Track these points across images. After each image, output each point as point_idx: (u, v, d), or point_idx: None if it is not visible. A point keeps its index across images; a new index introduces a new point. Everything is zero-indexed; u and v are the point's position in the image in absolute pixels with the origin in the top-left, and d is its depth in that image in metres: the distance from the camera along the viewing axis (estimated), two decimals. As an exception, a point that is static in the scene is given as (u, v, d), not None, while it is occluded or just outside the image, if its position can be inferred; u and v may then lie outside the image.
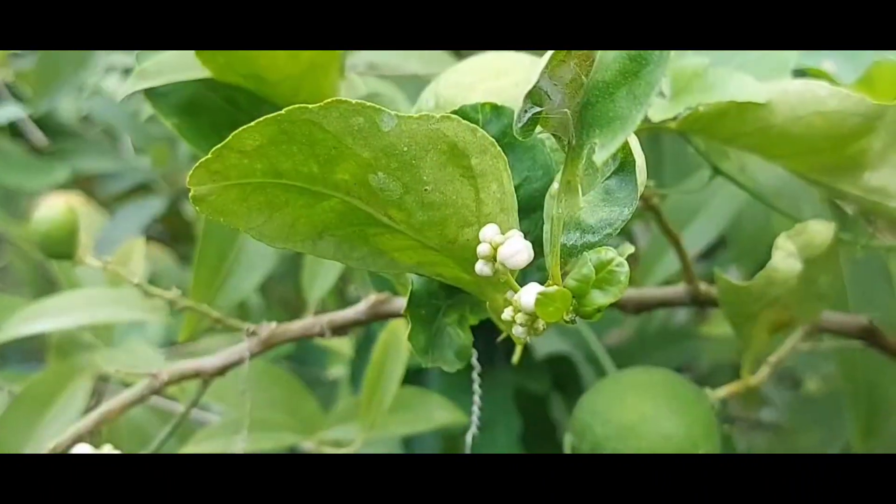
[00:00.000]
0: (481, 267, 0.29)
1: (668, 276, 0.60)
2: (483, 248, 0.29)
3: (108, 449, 0.46)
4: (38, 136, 1.09)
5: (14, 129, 1.08)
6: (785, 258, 0.40)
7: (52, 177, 1.00)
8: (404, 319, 0.36)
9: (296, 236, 0.32)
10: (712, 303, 0.49)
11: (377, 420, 0.58)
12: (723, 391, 0.47)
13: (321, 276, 0.66)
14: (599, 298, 0.27)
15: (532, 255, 0.28)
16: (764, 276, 0.40)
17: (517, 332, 0.29)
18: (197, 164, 0.29)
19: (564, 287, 0.27)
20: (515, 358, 0.46)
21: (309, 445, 0.60)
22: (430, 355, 0.36)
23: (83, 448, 0.46)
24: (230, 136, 0.28)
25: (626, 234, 0.99)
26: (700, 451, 0.44)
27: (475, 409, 0.48)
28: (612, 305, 0.50)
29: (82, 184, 1.16)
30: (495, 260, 0.29)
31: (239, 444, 0.48)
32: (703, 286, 0.50)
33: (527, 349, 0.87)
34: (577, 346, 0.88)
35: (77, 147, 1.11)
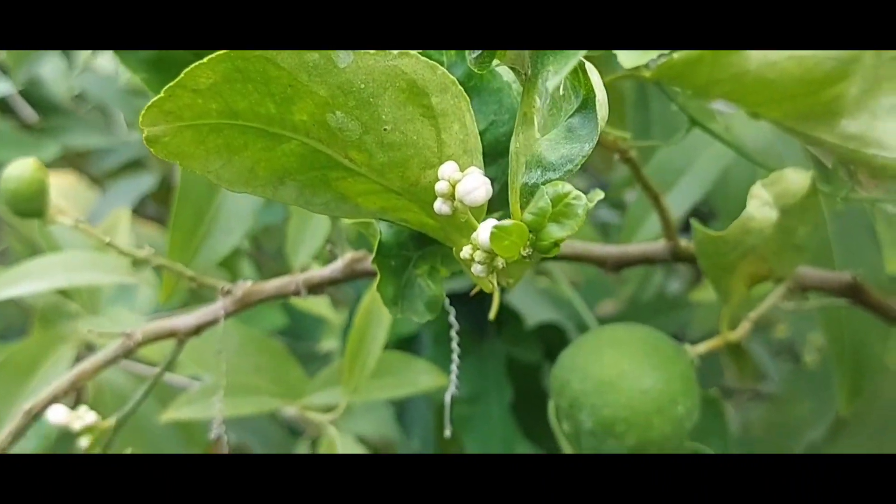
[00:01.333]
0: (440, 206, 0.29)
1: (653, 237, 0.59)
2: (441, 186, 0.28)
3: (83, 411, 0.46)
4: (28, 113, 1.08)
5: (5, 106, 1.08)
6: (760, 207, 0.39)
7: (42, 153, 0.99)
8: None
9: (256, 181, 0.31)
10: (692, 259, 0.48)
11: (360, 384, 0.58)
12: (702, 347, 0.46)
13: (306, 240, 0.66)
14: (556, 232, 0.26)
15: (490, 190, 0.28)
16: (739, 224, 0.39)
17: (476, 270, 0.28)
18: (149, 103, 0.28)
19: (521, 222, 0.27)
20: (492, 314, 0.46)
21: (292, 411, 0.60)
22: (400, 306, 0.36)
23: (58, 410, 0.45)
24: (182, 74, 0.28)
25: (616, 200, 0.99)
26: (679, 407, 0.44)
27: (454, 367, 0.48)
28: (593, 262, 0.50)
29: (74, 160, 1.16)
30: (454, 198, 0.28)
31: (216, 406, 0.47)
32: (684, 242, 0.49)
33: (518, 319, 0.87)
34: (569, 317, 0.88)
35: (68, 123, 1.11)
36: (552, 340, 0.87)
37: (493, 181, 0.30)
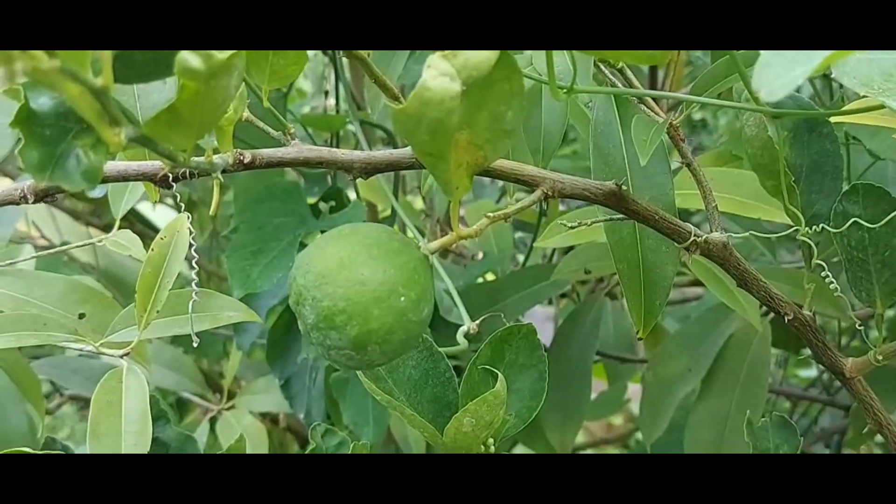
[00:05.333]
0: None
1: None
2: None
3: None
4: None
5: None
6: (437, 77, 0.39)
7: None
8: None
9: None
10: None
11: (153, 320, 0.58)
12: (435, 244, 0.46)
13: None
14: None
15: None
16: (416, 95, 0.39)
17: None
18: None
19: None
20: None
21: (89, 347, 0.59)
22: (49, 174, 0.36)
23: None
24: None
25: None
26: (401, 298, 0.44)
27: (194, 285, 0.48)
28: (340, 168, 0.50)
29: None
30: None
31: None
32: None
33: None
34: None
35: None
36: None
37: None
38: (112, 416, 0.53)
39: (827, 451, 1.04)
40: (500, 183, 1.33)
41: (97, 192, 0.80)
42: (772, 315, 0.90)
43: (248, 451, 1.04)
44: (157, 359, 1.12)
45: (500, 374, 0.54)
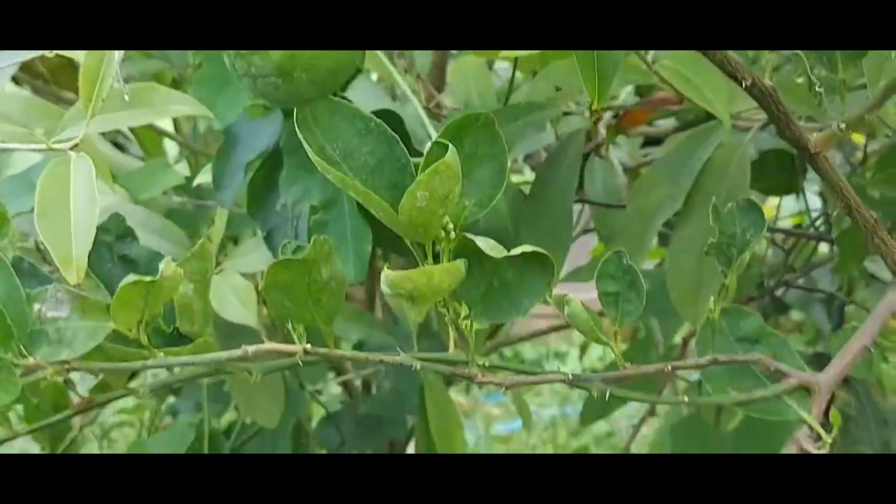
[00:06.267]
0: None
1: None
2: None
3: None
4: None
5: None
6: None
7: None
8: None
9: None
10: None
11: (97, 110, 0.57)
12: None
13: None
14: None
15: None
16: None
17: None
18: None
19: None
20: None
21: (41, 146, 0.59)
22: None
23: None
24: None
25: None
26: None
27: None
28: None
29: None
30: None
31: None
32: None
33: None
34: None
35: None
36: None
37: None
38: (60, 196, 0.53)
39: (820, 287, 1.03)
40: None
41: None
42: (752, 135, 0.89)
43: (239, 309, 1.04)
44: (147, 227, 1.12)
45: (450, 145, 0.53)
